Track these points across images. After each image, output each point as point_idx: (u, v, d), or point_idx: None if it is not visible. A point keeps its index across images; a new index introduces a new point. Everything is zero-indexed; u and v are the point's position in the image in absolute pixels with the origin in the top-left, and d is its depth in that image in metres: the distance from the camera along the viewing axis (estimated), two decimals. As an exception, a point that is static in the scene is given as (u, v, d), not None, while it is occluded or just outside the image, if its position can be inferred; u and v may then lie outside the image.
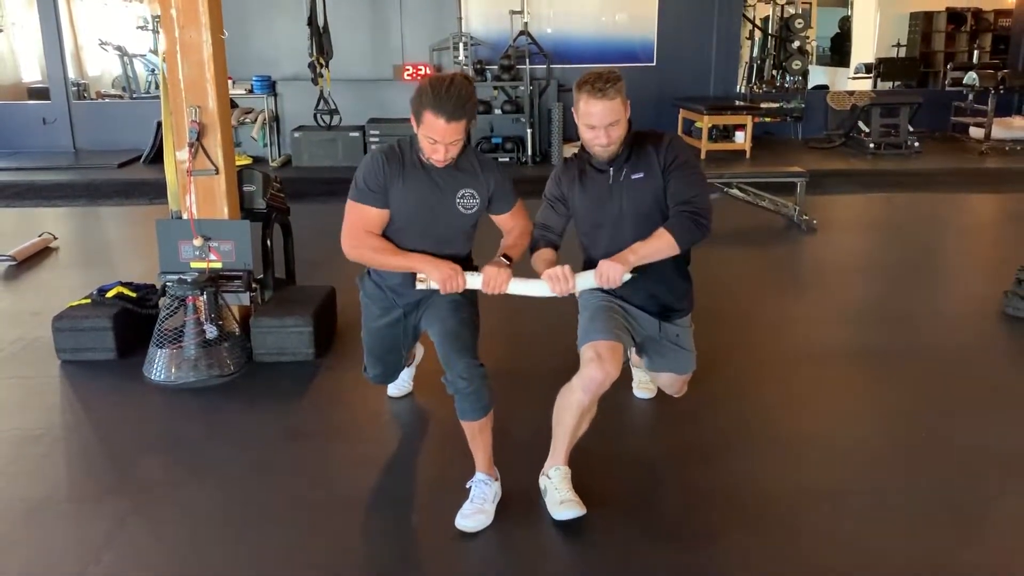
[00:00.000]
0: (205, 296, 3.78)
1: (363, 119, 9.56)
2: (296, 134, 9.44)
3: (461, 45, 9.24)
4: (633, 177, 2.67)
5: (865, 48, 14.08)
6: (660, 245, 2.59)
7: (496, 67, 9.58)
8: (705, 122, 9.55)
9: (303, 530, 2.61)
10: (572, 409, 2.60)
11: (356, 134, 9.40)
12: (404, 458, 3.11)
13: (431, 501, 2.78)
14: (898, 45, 12.79)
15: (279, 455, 3.09)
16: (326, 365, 3.86)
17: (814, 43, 13.24)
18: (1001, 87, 9.74)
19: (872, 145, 9.57)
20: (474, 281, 2.64)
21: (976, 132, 10.38)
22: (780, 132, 10.92)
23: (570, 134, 9.86)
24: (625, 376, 3.44)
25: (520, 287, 2.64)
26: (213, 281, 3.81)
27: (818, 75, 13.25)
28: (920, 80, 12.39)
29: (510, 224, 2.84)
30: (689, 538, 2.55)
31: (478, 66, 9.45)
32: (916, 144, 9.57)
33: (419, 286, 2.66)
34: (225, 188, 3.90)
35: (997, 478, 2.87)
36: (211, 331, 3.81)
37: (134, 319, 4.01)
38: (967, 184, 8.26)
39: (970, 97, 10.22)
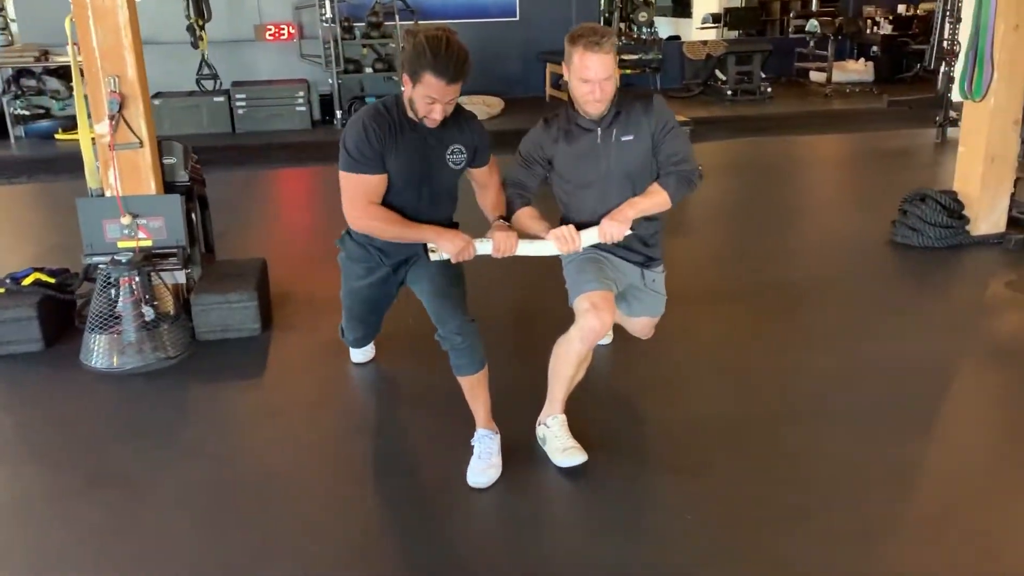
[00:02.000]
0: (139, 276, 3.59)
1: (225, 83, 9.13)
2: (156, 101, 8.90)
3: (328, 2, 8.96)
4: (623, 139, 2.74)
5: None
6: (657, 200, 2.73)
7: (364, 24, 9.36)
8: (575, 75, 9.72)
9: (313, 503, 2.60)
10: (571, 359, 2.70)
11: (221, 99, 8.96)
12: (391, 422, 3.13)
13: (433, 461, 2.83)
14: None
15: (262, 432, 3.03)
16: (274, 339, 3.78)
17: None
18: (839, 34, 10.48)
19: (729, 92, 10.09)
20: (484, 247, 2.66)
21: (817, 76, 11.14)
22: (640, 83, 11.28)
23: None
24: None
25: (528, 248, 2.70)
26: (148, 260, 3.63)
27: (663, 27, 13.73)
28: (760, 29, 13.10)
29: (486, 179, 2.86)
30: (688, 468, 2.72)
31: (346, 23, 9.20)
32: (768, 90, 10.18)
33: (432, 257, 2.67)
34: (151, 161, 3.70)
35: (916, 383, 3.23)
36: (148, 313, 3.64)
37: (56, 306, 3.78)
38: (819, 125, 8.90)
39: (811, 43, 10.93)
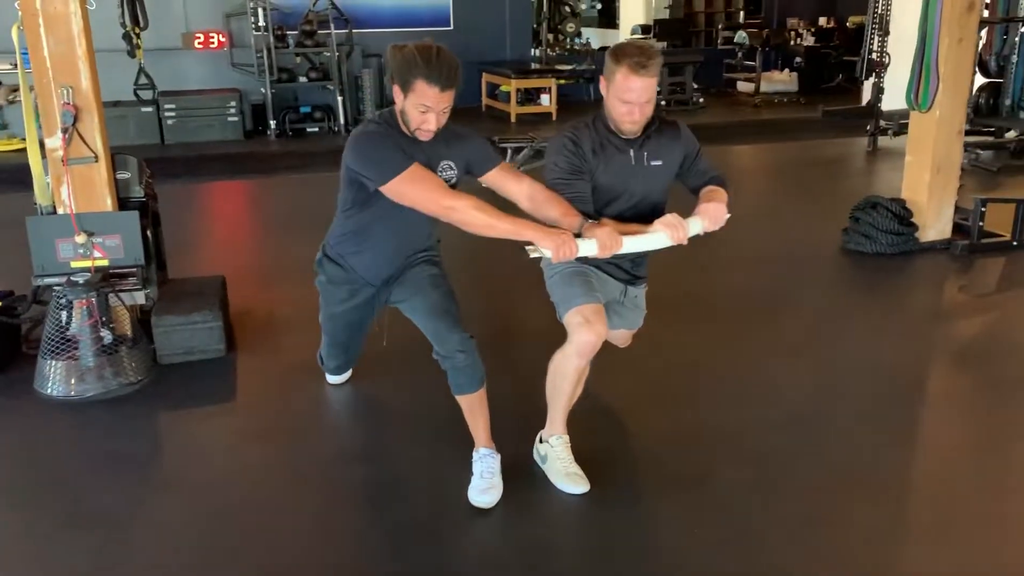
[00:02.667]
0: (97, 298, 3.40)
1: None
2: (79, 111, 8.52)
3: (260, 10, 8.74)
4: (653, 164, 2.72)
5: (632, 10, 14.97)
6: (724, 195, 2.77)
7: (298, 32, 9.17)
8: (513, 85, 9.74)
9: (313, 534, 2.48)
10: (570, 375, 2.66)
11: (149, 109, 8.65)
12: (377, 445, 3.01)
13: (426, 484, 2.73)
14: (670, 7, 13.67)
15: (243, 459, 2.89)
16: (240, 360, 3.63)
17: (583, 5, 13.90)
18: (767, 45, 10.77)
19: (663, 103, 10.23)
20: (588, 247, 2.46)
21: (745, 86, 11.43)
22: (574, 94, 11.37)
23: (385, 100, 9.69)
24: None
25: (635, 243, 2.58)
26: (106, 280, 3.44)
27: (591, 37, 13.88)
28: (686, 39, 13.36)
29: (513, 182, 2.67)
30: (689, 480, 2.71)
31: (279, 32, 8.99)
32: (700, 100, 10.38)
33: (532, 255, 2.49)
34: (106, 177, 3.52)
35: (891, 387, 3.32)
36: (107, 336, 3.45)
37: (1, 331, 3.55)
38: (754, 135, 9.12)
39: (740, 55, 11.20)
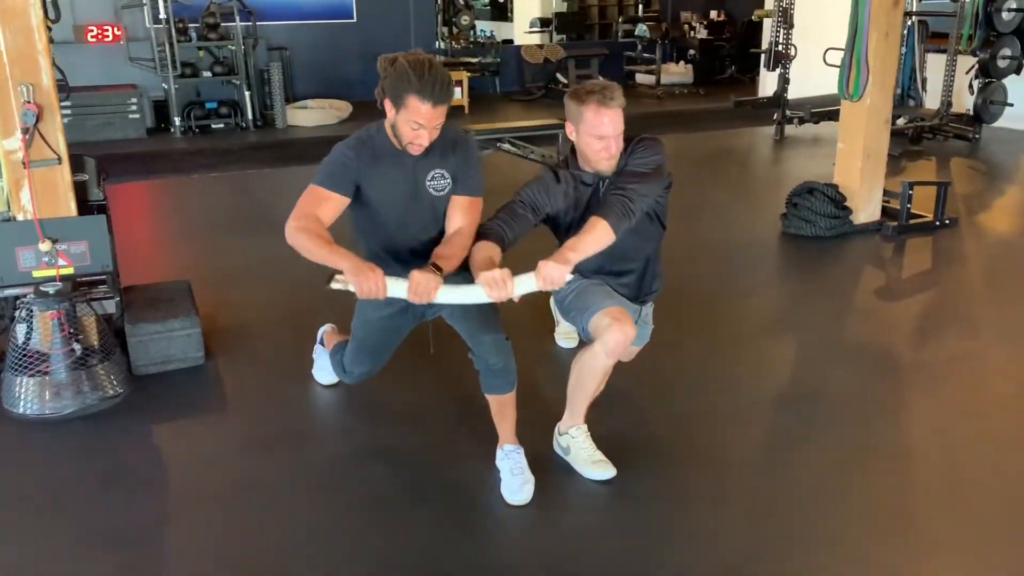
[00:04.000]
0: (67, 308, 3.20)
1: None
2: (-37, 110, 7.92)
3: (161, 2, 8.33)
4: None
5: (526, 3, 15.07)
6: (597, 235, 2.52)
7: (200, 25, 8.81)
8: (425, 78, 9.65)
9: (342, 539, 2.43)
10: (597, 373, 2.67)
11: (41, 106, 8.11)
12: (387, 445, 2.94)
13: (449, 482, 2.71)
14: (573, 0, 13.85)
15: (254, 468, 2.78)
16: (221, 367, 3.49)
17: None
18: (666, 38, 11.08)
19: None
20: (397, 289, 2.36)
21: (644, 79, 11.72)
22: (479, 87, 11.38)
23: (296, 94, 9.46)
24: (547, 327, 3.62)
25: (450, 295, 2.42)
26: (76, 289, 3.24)
27: (492, 31, 13.91)
28: (582, 33, 13.59)
29: (456, 220, 2.59)
30: (706, 462, 2.80)
31: (180, 25, 8.61)
32: (607, 92, 10.58)
33: (334, 286, 2.37)
34: (69, 180, 3.30)
35: (864, 363, 3.51)
36: (77, 349, 3.25)
37: (-44, 348, 3.29)
38: (661, 126, 9.30)
39: (639, 48, 11.49)
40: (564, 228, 2.78)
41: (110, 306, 3.41)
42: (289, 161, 7.80)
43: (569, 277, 2.45)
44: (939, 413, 3.15)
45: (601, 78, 2.67)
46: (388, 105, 2.42)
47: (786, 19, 8.02)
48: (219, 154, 7.97)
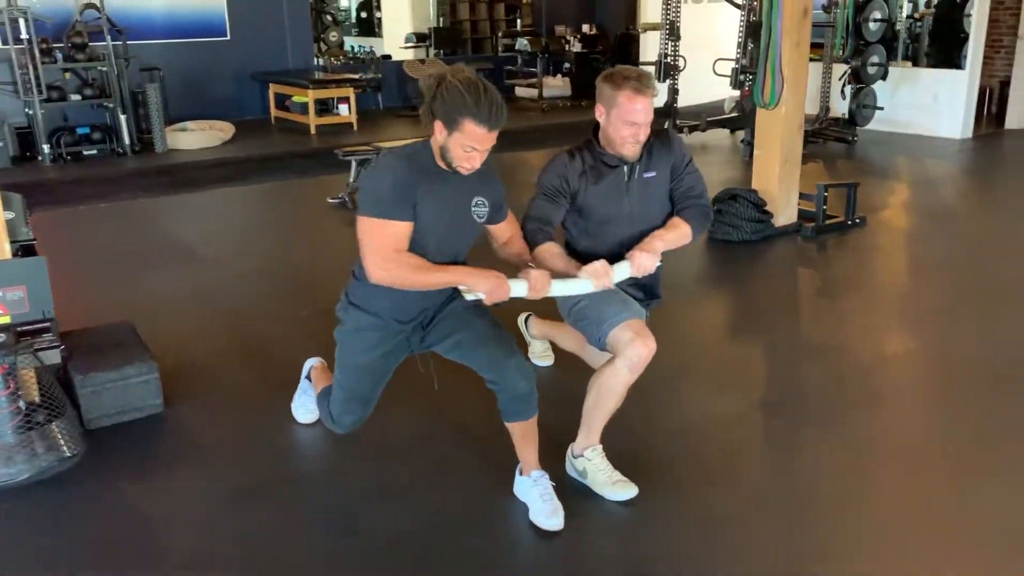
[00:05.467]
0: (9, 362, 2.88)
1: None
2: None
3: (21, 21, 7.68)
4: (646, 176, 2.72)
5: (395, 19, 14.91)
6: (681, 232, 2.71)
7: (66, 45, 8.19)
8: (311, 96, 9.37)
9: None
10: (618, 391, 2.62)
11: None
12: (391, 485, 2.77)
13: (469, 512, 2.61)
14: (445, 15, 13.78)
15: (258, 521, 2.57)
16: (183, 414, 3.22)
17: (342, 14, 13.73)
18: (546, 52, 11.22)
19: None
20: (519, 288, 2.46)
21: (524, 92, 11.84)
22: (362, 103, 11.14)
23: (171, 116, 8.93)
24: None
25: (562, 288, 2.55)
26: (18, 339, 2.91)
27: (373, 47, 13.67)
28: (455, 48, 13.56)
29: (508, 232, 2.68)
30: (719, 470, 2.82)
31: (43, 46, 7.97)
32: (493, 106, 10.60)
33: (467, 297, 2.45)
34: (2, 220, 2.97)
35: (829, 363, 3.64)
36: (23, 406, 2.93)
37: None
38: (551, 139, 9.40)
39: (520, 61, 11.58)
40: (592, 211, 2.74)
41: (54, 356, 3.08)
42: (180, 188, 7.37)
43: (659, 263, 2.63)
44: (919, 402, 3.30)
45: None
46: (439, 126, 2.30)
47: (673, 32, 8.27)
48: (99, 183, 7.41)
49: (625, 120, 2.58)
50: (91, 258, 5.15)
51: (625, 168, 2.71)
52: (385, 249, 2.35)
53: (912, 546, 2.44)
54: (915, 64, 9.22)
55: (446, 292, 2.56)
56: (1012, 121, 9.39)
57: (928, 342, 3.84)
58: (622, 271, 2.60)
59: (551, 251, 2.66)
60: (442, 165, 2.39)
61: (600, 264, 2.55)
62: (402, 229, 2.36)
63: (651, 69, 8.82)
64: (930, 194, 6.95)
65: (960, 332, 3.91)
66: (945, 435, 3.06)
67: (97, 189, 7.22)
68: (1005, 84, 9.61)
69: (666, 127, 2.90)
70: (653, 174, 2.75)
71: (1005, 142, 8.94)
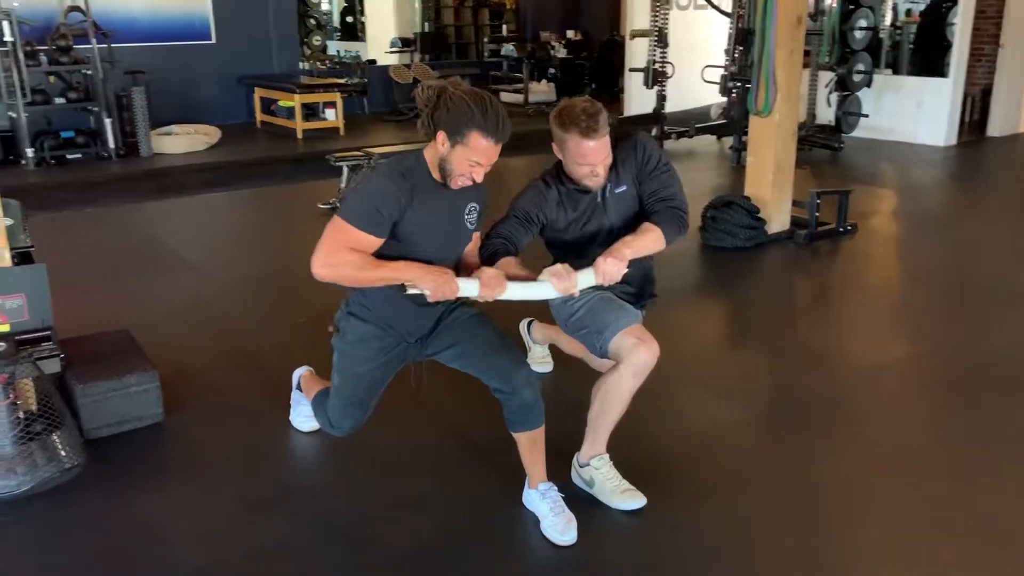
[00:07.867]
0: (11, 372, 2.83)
1: None
2: None
3: (5, 23, 7.58)
4: (617, 191, 2.67)
5: (378, 24, 14.86)
6: (652, 237, 2.59)
7: (50, 48, 8.09)
8: (298, 100, 9.32)
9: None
10: (624, 397, 2.61)
11: None
12: (408, 493, 2.76)
13: (485, 526, 2.59)
14: (430, 20, 13.76)
15: (277, 532, 2.53)
16: (183, 423, 3.18)
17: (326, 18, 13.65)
18: (532, 57, 11.24)
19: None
20: (469, 287, 2.37)
21: (510, 97, 11.81)
22: (348, 108, 11.08)
23: (156, 120, 8.83)
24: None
25: (519, 291, 2.43)
26: (18, 348, 2.87)
27: (337, 49, 13.59)
28: (440, 53, 13.54)
29: (471, 244, 2.62)
30: (729, 479, 2.82)
31: (28, 48, 7.87)
32: (480, 111, 10.61)
33: (410, 291, 2.36)
34: (2, 227, 2.93)
35: (832, 369, 3.67)
36: (23, 417, 2.88)
37: None
38: (532, 145, 9.41)
39: (506, 67, 11.58)
40: (571, 234, 2.71)
41: (54, 365, 3.03)
42: (166, 192, 7.31)
43: (625, 271, 2.49)
44: (920, 407, 3.32)
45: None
46: (442, 137, 2.27)
47: (661, 39, 8.30)
48: (84, 187, 7.32)
49: (578, 162, 2.55)
50: (78, 264, 5.07)
51: (597, 190, 2.68)
52: (339, 248, 2.30)
53: (925, 553, 2.45)
54: (895, 72, 9.31)
55: (448, 303, 2.54)
56: (994, 129, 9.51)
57: (925, 347, 3.87)
58: (587, 278, 2.49)
59: (512, 263, 2.56)
60: (437, 177, 2.36)
61: (561, 265, 2.46)
62: (367, 241, 2.31)
63: (639, 76, 8.88)
64: (919, 200, 7.02)
65: (955, 336, 3.96)
66: (949, 439, 3.09)
67: (81, 194, 7.13)
68: (987, 92, 9.73)
69: (639, 132, 2.79)
70: (624, 187, 2.69)
71: (987, 149, 9.05)
